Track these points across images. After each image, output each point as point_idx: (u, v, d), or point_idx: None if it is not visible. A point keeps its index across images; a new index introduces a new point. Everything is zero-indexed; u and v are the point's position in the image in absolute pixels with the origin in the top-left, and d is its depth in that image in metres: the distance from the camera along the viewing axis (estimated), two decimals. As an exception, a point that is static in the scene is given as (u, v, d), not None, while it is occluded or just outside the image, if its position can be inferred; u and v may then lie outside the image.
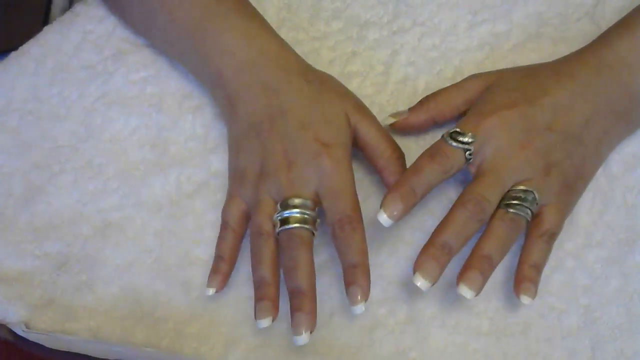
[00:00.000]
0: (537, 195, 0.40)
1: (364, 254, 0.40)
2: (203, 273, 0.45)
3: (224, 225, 0.44)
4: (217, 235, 0.45)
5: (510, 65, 0.49)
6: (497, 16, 0.51)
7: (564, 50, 0.48)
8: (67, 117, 0.50)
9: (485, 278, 0.39)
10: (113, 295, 0.44)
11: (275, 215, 0.41)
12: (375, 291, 0.43)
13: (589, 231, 0.44)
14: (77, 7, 0.54)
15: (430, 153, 0.41)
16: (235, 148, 0.45)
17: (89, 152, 0.49)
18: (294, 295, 0.39)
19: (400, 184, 0.40)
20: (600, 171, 0.45)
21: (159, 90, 0.50)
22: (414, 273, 0.39)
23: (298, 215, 0.40)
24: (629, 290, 0.42)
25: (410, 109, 0.46)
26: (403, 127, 0.46)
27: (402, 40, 0.51)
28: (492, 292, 0.43)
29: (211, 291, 0.42)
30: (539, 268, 0.40)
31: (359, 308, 0.39)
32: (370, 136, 0.44)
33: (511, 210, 0.40)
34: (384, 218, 0.39)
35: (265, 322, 0.40)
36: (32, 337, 0.43)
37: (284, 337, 0.43)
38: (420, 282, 0.38)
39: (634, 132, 0.45)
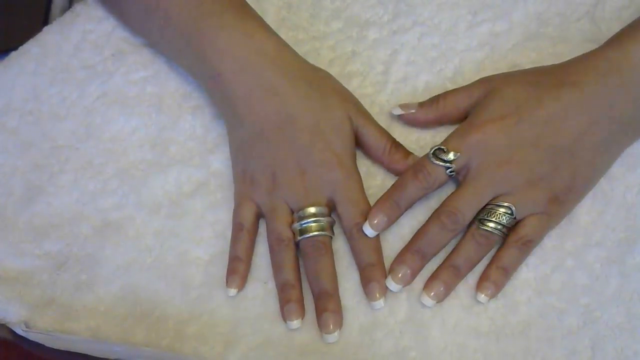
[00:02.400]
0: (514, 210, 0.42)
1: (379, 253, 0.43)
2: (203, 273, 0.45)
3: (238, 227, 0.44)
4: (217, 235, 0.46)
5: (510, 65, 0.49)
6: (497, 16, 0.51)
7: (564, 50, 0.48)
8: (67, 117, 0.50)
9: (448, 288, 0.42)
10: (113, 295, 0.44)
11: (295, 225, 0.43)
12: (375, 291, 0.43)
13: (589, 231, 0.44)
14: (77, 7, 0.54)
15: (414, 170, 0.43)
16: (241, 152, 0.45)
17: (89, 152, 0.49)
18: (320, 297, 0.42)
19: (385, 198, 0.43)
20: (600, 171, 0.45)
21: (158, 90, 0.50)
22: (388, 275, 0.42)
23: (316, 224, 0.43)
24: (629, 290, 0.42)
25: (420, 104, 0.47)
26: (409, 120, 0.47)
27: (402, 39, 0.51)
28: (492, 291, 0.43)
29: (232, 292, 0.43)
30: (506, 271, 0.42)
31: (379, 303, 0.42)
32: (371, 135, 0.45)
33: (483, 227, 0.42)
34: (367, 229, 0.43)
35: (295, 324, 0.42)
36: (32, 336, 0.43)
37: (284, 337, 0.43)
38: (392, 285, 0.42)
39: (638, 139, 0.45)
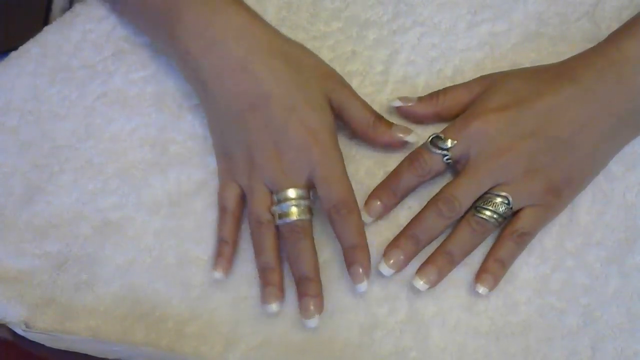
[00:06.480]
0: (511, 200, 0.42)
1: (362, 234, 0.42)
2: (203, 272, 0.45)
3: (223, 210, 0.44)
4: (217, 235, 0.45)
5: (510, 65, 0.49)
6: (497, 16, 0.51)
7: (563, 50, 0.48)
8: (67, 116, 0.50)
9: (441, 273, 0.42)
10: (113, 295, 0.44)
11: (274, 208, 0.42)
12: (375, 290, 0.43)
13: (588, 231, 0.44)
14: (77, 7, 0.54)
15: (410, 158, 0.44)
16: (219, 131, 0.45)
17: (89, 152, 0.49)
18: (301, 282, 0.42)
19: (382, 185, 0.44)
20: (600, 170, 0.45)
21: (158, 90, 0.50)
22: (381, 259, 0.42)
23: (296, 207, 0.42)
24: (629, 290, 0.42)
25: (419, 99, 0.47)
26: (408, 114, 0.47)
27: (402, 39, 0.51)
28: (492, 291, 0.43)
29: (218, 274, 0.43)
30: (503, 263, 0.42)
31: (362, 286, 0.41)
32: (353, 110, 0.45)
33: (478, 215, 0.42)
34: (365, 216, 0.43)
35: (274, 307, 0.42)
36: (32, 336, 0.43)
37: (283, 337, 0.43)
38: (385, 270, 0.42)
39: (638, 135, 0.45)
